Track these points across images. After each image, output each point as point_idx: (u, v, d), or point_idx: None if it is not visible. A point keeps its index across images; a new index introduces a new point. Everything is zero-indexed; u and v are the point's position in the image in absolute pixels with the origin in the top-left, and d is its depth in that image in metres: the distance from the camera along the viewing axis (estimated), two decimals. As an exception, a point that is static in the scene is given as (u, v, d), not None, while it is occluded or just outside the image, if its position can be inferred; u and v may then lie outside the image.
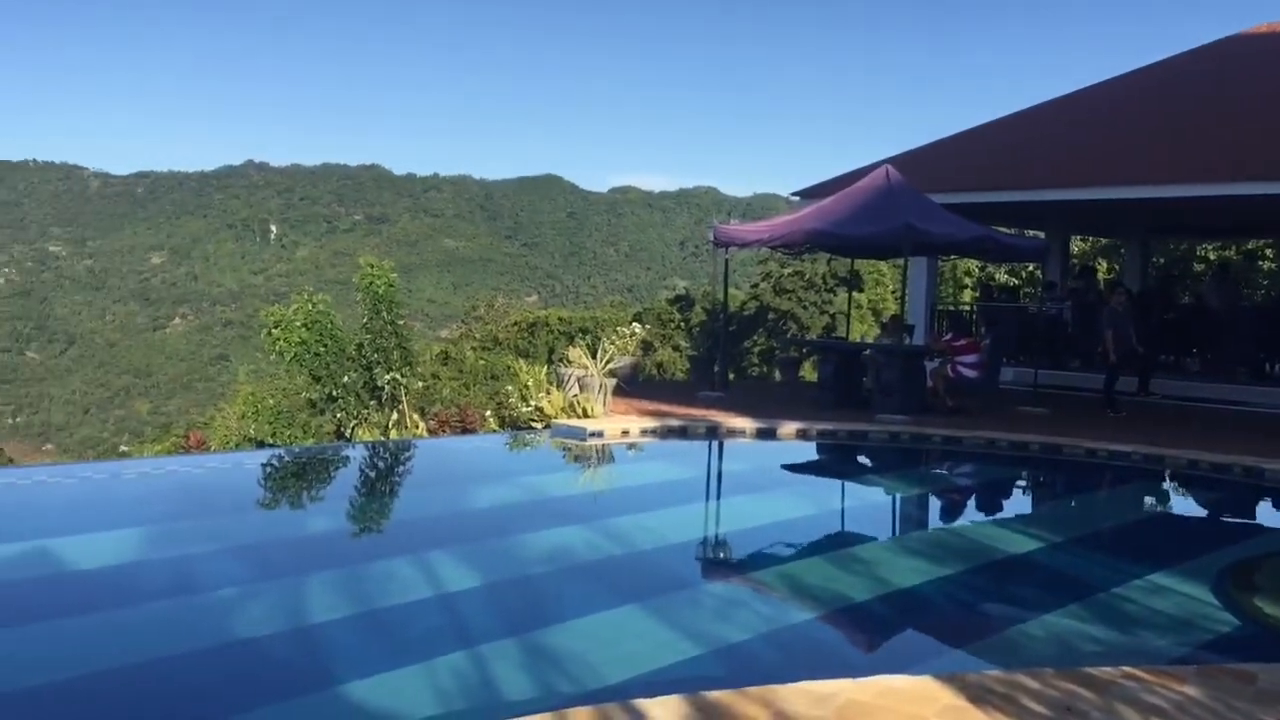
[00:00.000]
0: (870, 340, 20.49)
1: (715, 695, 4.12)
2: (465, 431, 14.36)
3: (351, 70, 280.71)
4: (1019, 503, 11.44)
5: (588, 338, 20.32)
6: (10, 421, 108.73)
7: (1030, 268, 30.15)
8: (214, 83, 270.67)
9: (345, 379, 16.23)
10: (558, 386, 13.82)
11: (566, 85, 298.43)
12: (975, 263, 31.16)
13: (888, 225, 13.77)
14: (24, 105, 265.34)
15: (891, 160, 16.70)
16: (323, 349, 16.18)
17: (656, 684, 4.45)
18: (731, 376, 19.07)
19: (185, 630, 5.45)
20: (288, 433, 16.32)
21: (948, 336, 15.26)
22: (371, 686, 4.62)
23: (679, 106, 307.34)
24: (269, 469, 11.36)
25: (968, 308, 22.85)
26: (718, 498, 10.46)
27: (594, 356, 13.89)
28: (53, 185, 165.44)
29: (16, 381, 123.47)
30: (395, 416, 15.90)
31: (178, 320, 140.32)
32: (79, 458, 66.26)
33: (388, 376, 16.27)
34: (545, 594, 6.41)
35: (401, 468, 11.90)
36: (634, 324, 16.67)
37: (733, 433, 12.64)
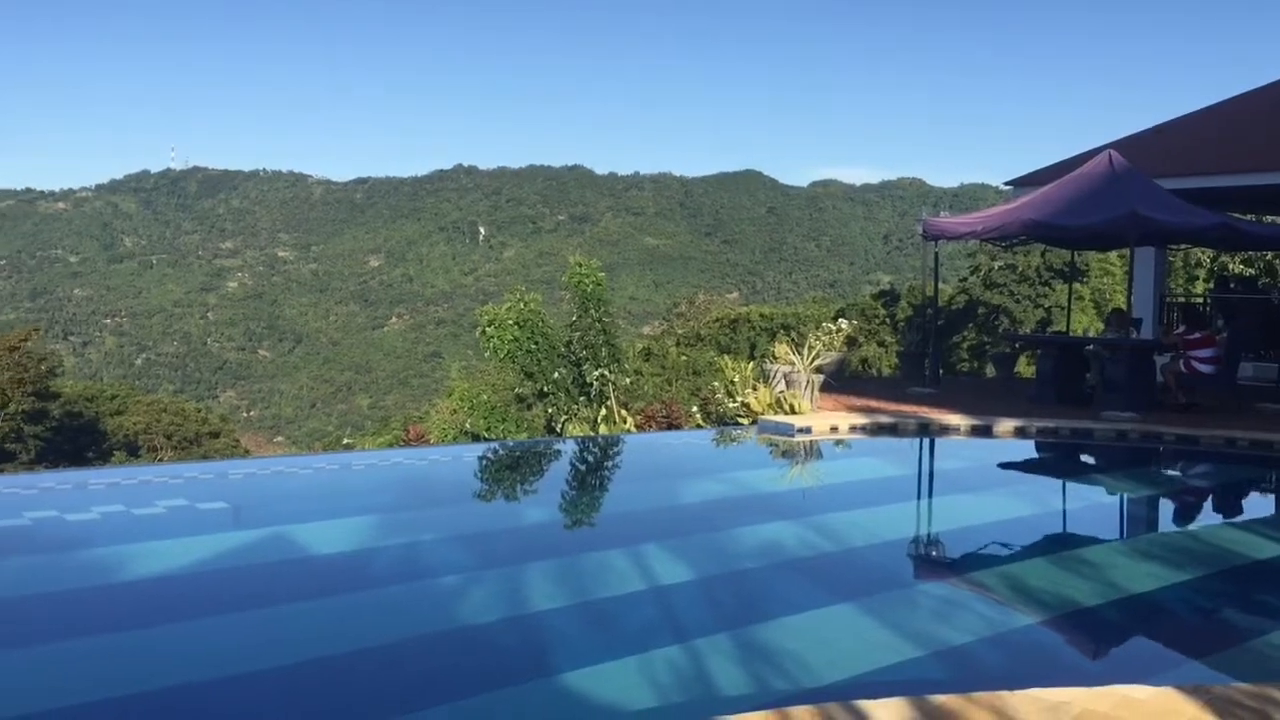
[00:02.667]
0: (1094, 335, 19.49)
1: (941, 699, 3.99)
2: (671, 427, 14.48)
3: (555, 74, 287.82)
4: (1263, 506, 10.66)
5: (790, 334, 20.14)
6: (245, 415, 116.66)
7: (1268, 256, 28.03)
8: (426, 91, 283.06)
9: (555, 375, 16.64)
10: (764, 382, 13.75)
11: (766, 80, 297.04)
12: (1208, 252, 29.20)
13: (1111, 214, 13.04)
14: (256, 119, 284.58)
15: (1114, 145, 15.83)
16: (534, 346, 16.64)
17: (875, 685, 4.35)
18: (941, 372, 18.53)
19: (410, 615, 5.68)
20: (501, 427, 16.86)
21: (1179, 330, 14.36)
22: (587, 677, 4.69)
23: (882, 96, 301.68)
24: (486, 461, 11.75)
25: (1200, 299, 21.44)
26: (932, 496, 10.17)
27: (800, 353, 13.76)
28: (281, 192, 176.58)
29: (250, 378, 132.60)
30: (603, 412, 16.18)
31: (394, 319, 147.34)
32: (307, 449, 70.38)
33: (596, 372, 16.59)
34: (758, 590, 6.38)
35: (612, 462, 12.09)
36: (839, 319, 16.41)
37: (946, 429, 12.28)
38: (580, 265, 17.11)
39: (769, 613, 5.88)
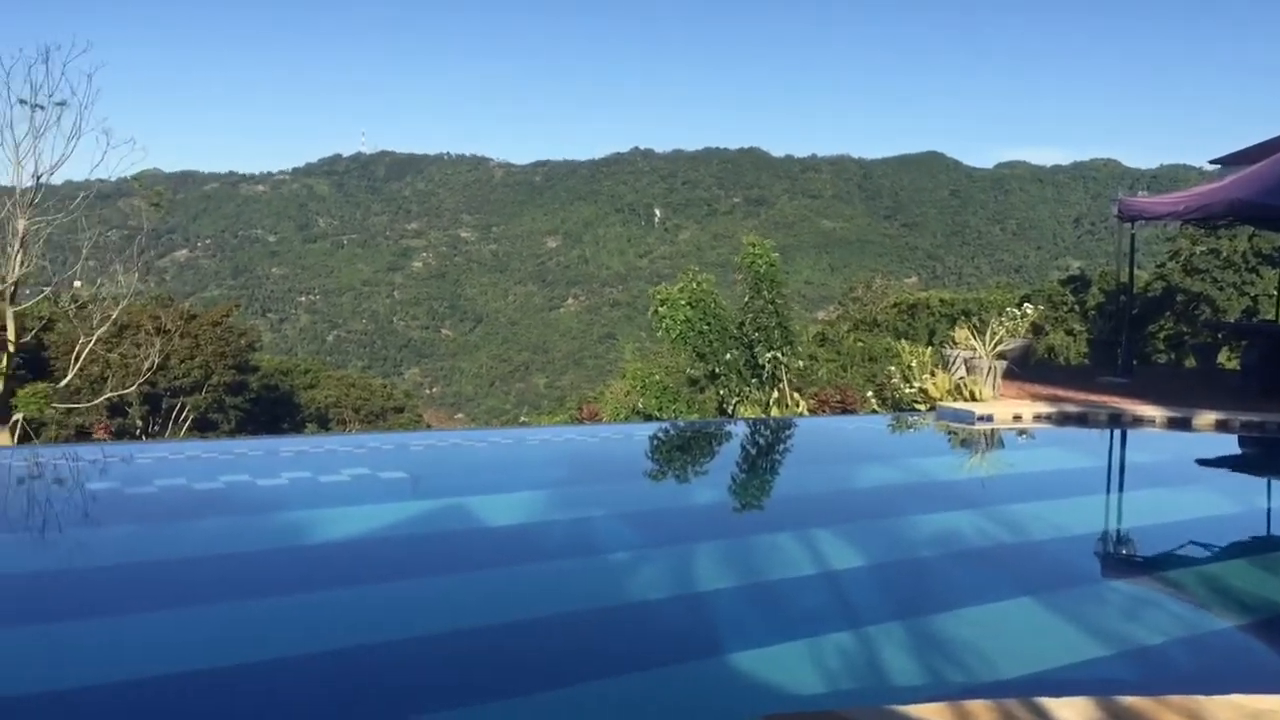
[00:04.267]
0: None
1: (1130, 701, 3.76)
2: (845, 411, 14.22)
3: (731, 55, 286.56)
4: None
5: (971, 320, 19.49)
6: (428, 392, 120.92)
7: None
8: (603, 76, 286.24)
9: (727, 356, 16.55)
10: (943, 368, 13.34)
11: (948, 58, 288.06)
12: None
13: (1332, 192, 12.10)
14: (441, 105, 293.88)
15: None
16: (706, 327, 16.59)
17: (1057, 683, 4.14)
18: (1135, 362, 17.60)
19: (577, 589, 5.72)
20: (673, 407, 16.89)
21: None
22: (758, 658, 4.62)
23: (1074, 73, 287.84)
24: (655, 440, 11.79)
25: None
26: (1123, 490, 9.65)
27: (981, 338, 13.28)
28: (463, 176, 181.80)
29: (433, 356, 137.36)
30: (775, 394, 16.02)
31: (570, 301, 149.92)
32: (485, 426, 72.47)
33: (768, 355, 16.42)
34: (934, 579, 6.17)
35: (784, 444, 11.95)
36: (1024, 305, 15.74)
37: (1139, 421, 11.63)
38: (753, 246, 16.95)
39: (945, 603, 5.68)
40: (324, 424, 46.81)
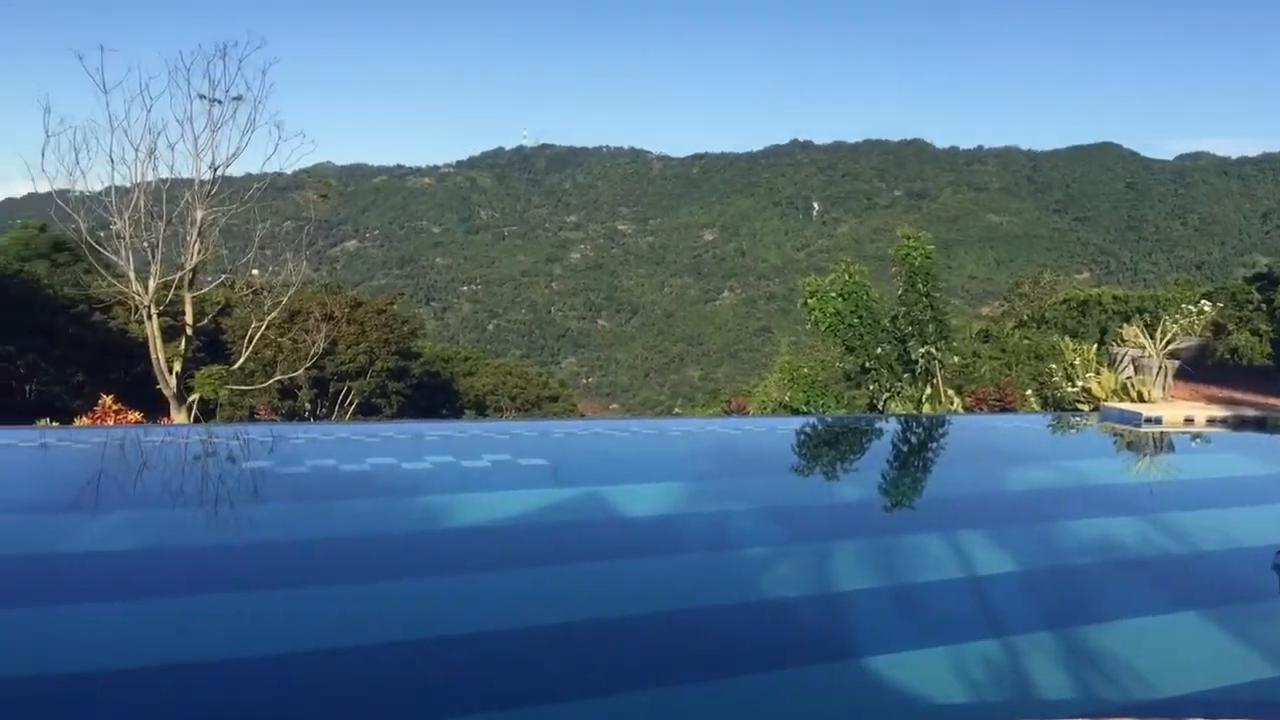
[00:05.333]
0: None
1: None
2: (1004, 410, 13.68)
3: (890, 45, 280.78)
4: None
5: (1145, 317, 18.52)
6: (584, 381, 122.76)
7: None
8: (763, 67, 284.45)
9: (878, 351, 16.15)
10: (1108, 366, 12.68)
11: (1124, 41, 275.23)
12: None
13: None
14: (600, 99, 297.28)
15: None
16: (857, 320, 16.22)
17: (1220, 704, 3.80)
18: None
19: (711, 584, 5.59)
20: (821, 401, 16.60)
21: None
22: (893, 662, 4.41)
23: (1265, 55, 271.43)
24: (796, 434, 11.56)
25: None
26: (1305, 502, 8.95)
27: (1152, 335, 12.55)
28: (621, 168, 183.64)
29: (589, 346, 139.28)
30: (928, 391, 15.55)
31: (726, 293, 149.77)
32: (638, 416, 73.02)
33: (921, 350, 15.94)
34: (1087, 588, 5.80)
35: (934, 442, 11.55)
36: (1202, 302, 14.84)
37: (1326, 427, 10.81)
38: (908, 238, 16.46)
39: (1099, 614, 5.32)
40: (481, 410, 47.97)
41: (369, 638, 4.47)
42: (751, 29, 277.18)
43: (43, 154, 18.27)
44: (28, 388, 31.58)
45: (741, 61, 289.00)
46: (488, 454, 8.55)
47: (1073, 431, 11.63)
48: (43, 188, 18.81)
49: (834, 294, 16.20)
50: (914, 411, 14.66)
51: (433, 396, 43.73)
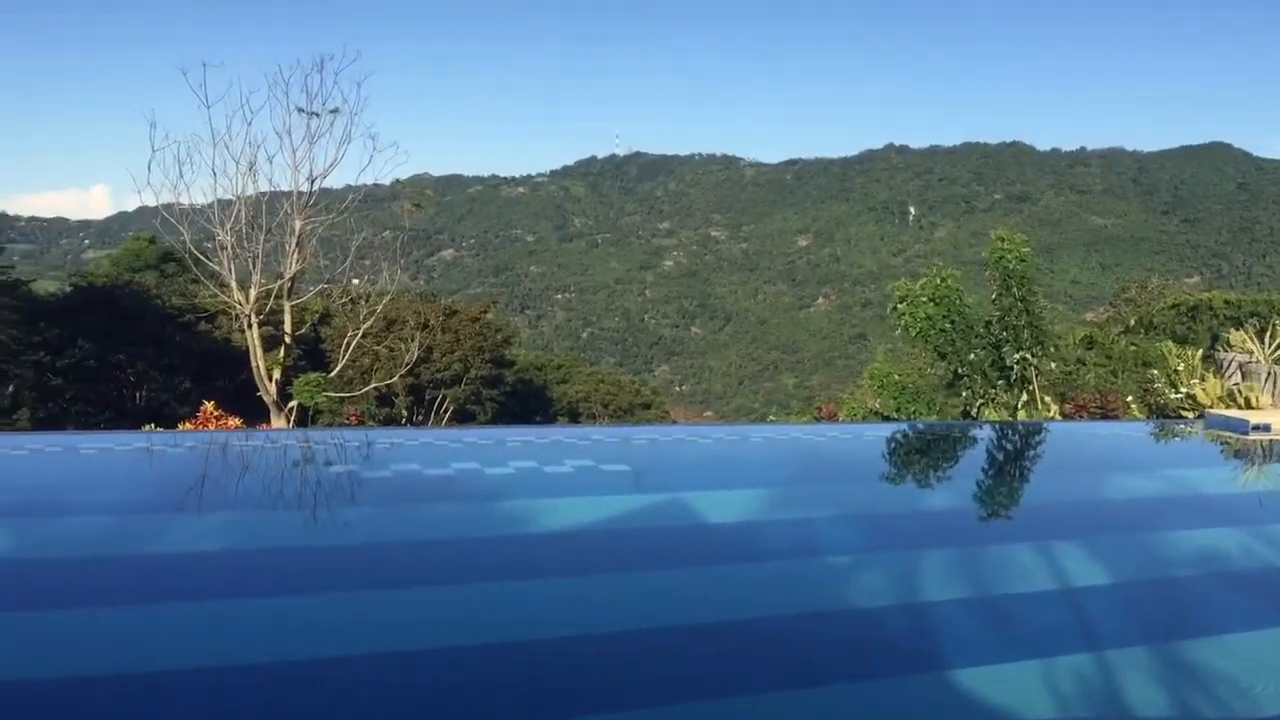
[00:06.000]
0: None
1: None
2: (1105, 417, 13.26)
3: (990, 45, 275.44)
4: None
5: (1258, 322, 17.83)
6: (678, 389, 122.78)
7: None
8: (856, 71, 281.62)
9: (971, 357, 15.79)
10: (1215, 373, 12.21)
11: (1235, 38, 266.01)
12: None
13: None
14: (691, 104, 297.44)
15: None
16: (949, 325, 15.88)
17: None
18: None
19: (795, 593, 5.48)
20: (912, 408, 16.30)
21: None
22: (982, 676, 4.26)
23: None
24: (884, 440, 11.32)
25: None
26: None
27: (1261, 340, 12.06)
28: (714, 175, 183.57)
29: (683, 354, 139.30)
30: (1024, 398, 15.16)
31: (821, 300, 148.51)
32: (731, 423, 72.72)
33: (1016, 356, 15.54)
34: (1191, 602, 5.54)
35: (1028, 450, 11.22)
36: (1316, 304, 14.23)
37: None
38: (1003, 240, 16.06)
39: (1202, 628, 5.08)
40: (574, 418, 48.28)
41: (464, 639, 4.48)
42: (844, 31, 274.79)
43: (148, 168, 18.96)
44: (138, 394, 32.74)
45: (835, 65, 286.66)
46: (570, 460, 8.55)
47: (1175, 439, 11.18)
48: (149, 201, 19.53)
49: (925, 298, 15.89)
50: (1008, 418, 14.30)
51: (526, 404, 44.12)
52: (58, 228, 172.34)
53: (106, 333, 31.33)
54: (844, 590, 5.58)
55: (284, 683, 4.16)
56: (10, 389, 30.33)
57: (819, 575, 5.78)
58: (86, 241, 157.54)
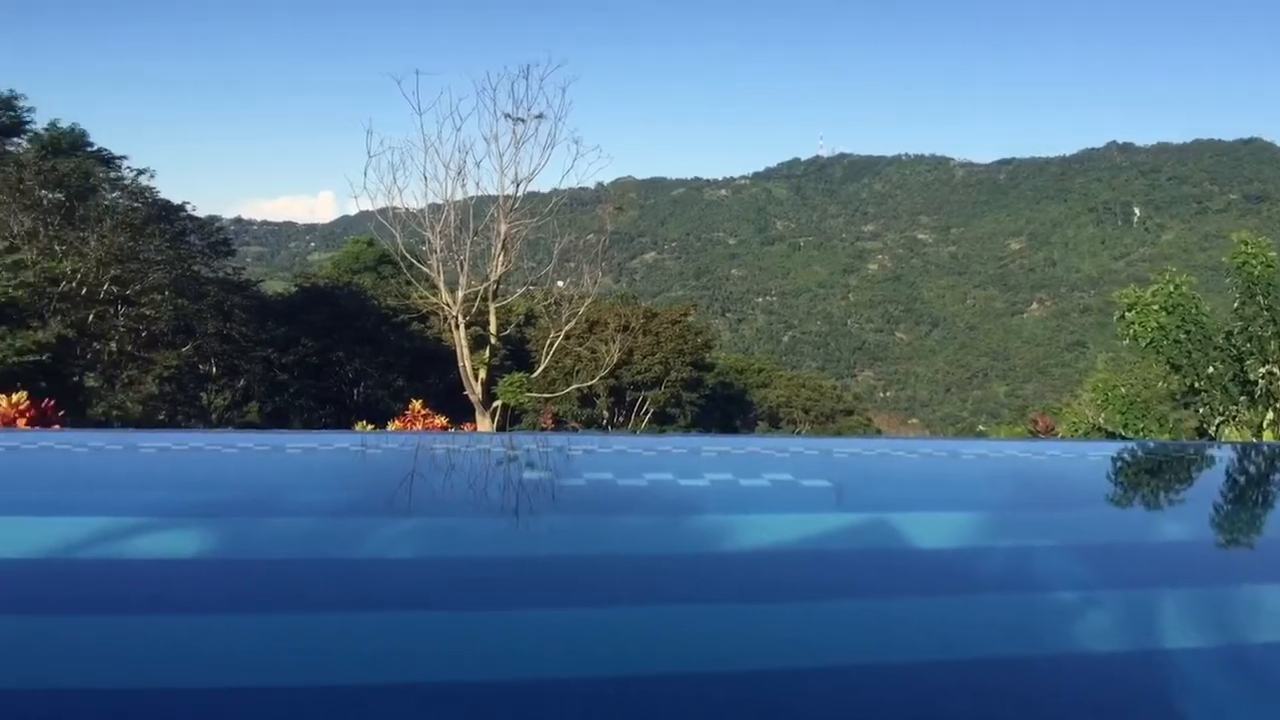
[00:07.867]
0: None
1: None
2: (1362, 440, 11.93)
3: (1227, 37, 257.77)
4: None
5: None
6: (881, 395, 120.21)
7: None
8: (1079, 66, 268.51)
9: (1210, 370, 14.52)
10: None
11: None
12: None
13: None
14: (898, 104, 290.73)
15: None
16: (1184, 335, 14.65)
17: None
18: None
19: (1005, 629, 4.99)
20: (1140, 425, 15.14)
21: None
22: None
23: None
24: (1112, 462, 10.47)
25: None
26: None
27: None
28: (922, 176, 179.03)
29: (886, 359, 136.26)
30: (1270, 416, 13.83)
31: (1035, 305, 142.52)
32: (939, 433, 70.45)
33: (1262, 370, 14.18)
34: None
35: (1275, 474, 10.17)
36: None
37: None
38: (1245, 244, 14.68)
39: None
40: (774, 423, 47.75)
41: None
42: (1060, 27, 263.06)
43: (364, 174, 19.72)
44: (355, 390, 34.33)
45: (1051, 61, 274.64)
46: (768, 473, 8.20)
47: None
48: (367, 205, 20.31)
49: (1156, 306, 14.69)
50: (1252, 439, 13.07)
51: (726, 407, 43.93)
52: (287, 231, 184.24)
53: (327, 331, 33.03)
54: (1079, 632, 5.04)
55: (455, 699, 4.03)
56: (241, 383, 32.36)
57: (1057, 614, 5.25)
58: (312, 244, 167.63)
